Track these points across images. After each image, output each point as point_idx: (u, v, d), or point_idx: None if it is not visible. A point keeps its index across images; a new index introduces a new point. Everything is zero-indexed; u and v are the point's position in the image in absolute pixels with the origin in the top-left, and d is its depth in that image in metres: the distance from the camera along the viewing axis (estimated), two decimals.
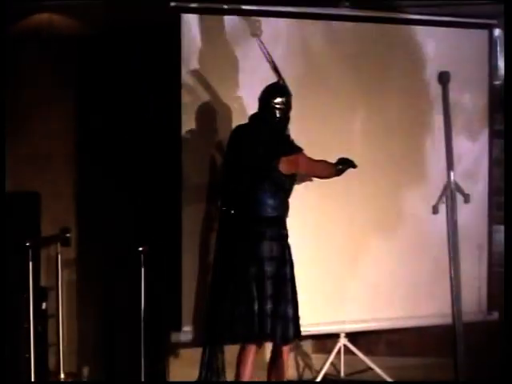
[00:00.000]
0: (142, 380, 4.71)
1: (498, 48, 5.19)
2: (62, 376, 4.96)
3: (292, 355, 5.07)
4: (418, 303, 5.02)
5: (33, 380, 4.66)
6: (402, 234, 5.02)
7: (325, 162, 4.27)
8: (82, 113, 5.17)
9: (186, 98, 4.65)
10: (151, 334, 4.74)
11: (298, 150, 4.17)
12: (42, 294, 4.94)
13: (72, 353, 5.17)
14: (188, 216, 4.65)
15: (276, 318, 4.06)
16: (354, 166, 4.33)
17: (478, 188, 5.11)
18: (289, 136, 4.26)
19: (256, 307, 4.04)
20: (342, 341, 5.04)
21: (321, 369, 5.00)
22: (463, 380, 3.64)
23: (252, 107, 4.36)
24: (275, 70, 4.48)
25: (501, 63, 5.19)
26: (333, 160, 4.32)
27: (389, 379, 4.99)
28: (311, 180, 4.48)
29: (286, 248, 4.17)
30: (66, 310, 5.11)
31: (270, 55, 4.52)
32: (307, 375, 5.27)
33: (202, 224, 4.66)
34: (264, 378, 4.34)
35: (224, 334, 4.09)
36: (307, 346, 5.27)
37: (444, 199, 3.63)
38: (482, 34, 5.16)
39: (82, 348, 5.22)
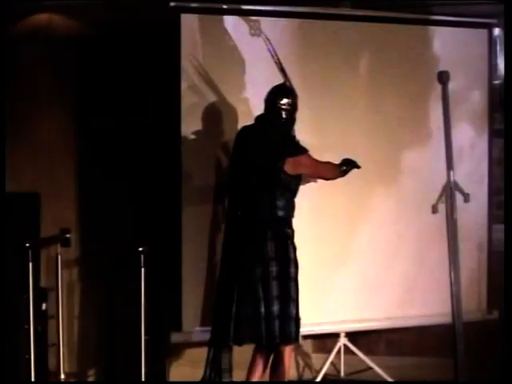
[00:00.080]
0: (142, 380, 4.71)
1: (498, 47, 5.19)
2: (62, 376, 4.95)
3: (292, 355, 5.06)
4: (417, 303, 5.02)
5: (33, 380, 4.66)
6: (401, 233, 5.03)
7: (329, 163, 4.28)
8: (81, 113, 5.17)
9: (191, 99, 4.65)
10: (151, 334, 4.74)
11: (304, 150, 4.18)
12: (41, 294, 4.94)
13: (72, 353, 5.17)
14: (189, 216, 4.65)
15: (281, 319, 4.06)
16: (357, 166, 4.33)
17: (478, 187, 5.10)
18: (294, 137, 4.27)
19: (262, 309, 4.05)
20: (342, 340, 5.05)
21: (321, 368, 5.01)
22: (463, 379, 3.64)
23: (258, 108, 4.36)
24: (282, 70, 4.47)
25: (500, 62, 5.19)
26: (332, 160, 4.33)
27: (389, 379, 4.99)
28: (315, 181, 4.48)
29: (291, 248, 4.18)
30: (66, 311, 5.10)
31: (276, 55, 4.51)
32: (307, 375, 5.27)
33: (204, 224, 4.66)
34: (265, 378, 4.34)
35: (230, 335, 4.09)
36: (307, 345, 5.27)
37: (443, 199, 3.63)
38: (482, 33, 5.16)
39: (82, 349, 5.22)
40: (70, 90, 5.15)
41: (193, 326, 4.70)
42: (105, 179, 5.11)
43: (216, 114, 4.69)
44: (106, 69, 5.08)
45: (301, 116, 4.35)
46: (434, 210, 3.65)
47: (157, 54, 4.87)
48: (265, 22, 4.74)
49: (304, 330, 4.33)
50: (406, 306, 5.02)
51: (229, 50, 4.71)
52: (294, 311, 4.11)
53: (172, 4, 4.59)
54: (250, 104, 4.68)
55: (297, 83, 4.51)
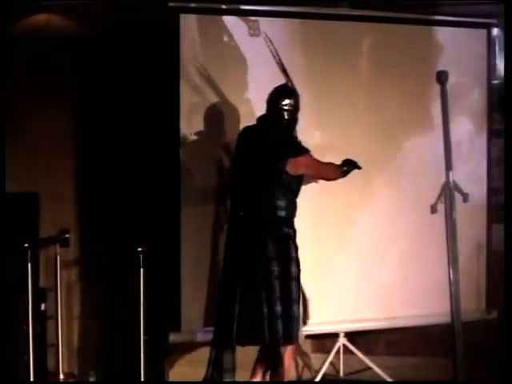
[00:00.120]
0: (142, 380, 4.71)
1: (497, 47, 5.20)
2: (62, 377, 4.95)
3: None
4: (416, 302, 5.01)
5: (32, 381, 4.66)
6: (400, 233, 5.03)
7: (331, 163, 4.28)
8: (80, 113, 5.17)
9: (192, 99, 4.65)
10: (150, 334, 4.74)
11: (306, 151, 4.19)
12: (40, 295, 4.94)
13: (71, 354, 5.17)
14: (190, 216, 4.65)
15: (283, 319, 4.06)
16: (358, 167, 4.33)
17: (477, 187, 5.10)
18: (296, 137, 4.28)
19: (265, 309, 4.05)
20: (341, 340, 5.05)
21: (320, 368, 5.00)
22: (462, 379, 3.65)
23: (260, 108, 4.36)
24: (283, 70, 4.46)
25: (499, 62, 5.20)
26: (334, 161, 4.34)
27: (388, 379, 4.99)
28: (316, 181, 4.48)
29: (293, 248, 4.18)
30: (65, 311, 5.10)
31: (278, 56, 4.51)
32: (306, 375, 5.26)
33: (203, 224, 4.66)
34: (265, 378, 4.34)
35: (232, 335, 4.09)
36: (306, 345, 5.26)
37: (442, 199, 3.64)
38: (481, 33, 5.17)
39: (81, 349, 5.22)
40: (70, 90, 5.16)
41: (192, 325, 4.70)
42: (104, 179, 5.11)
43: (218, 115, 4.69)
44: (105, 69, 5.08)
45: (302, 116, 4.36)
46: (433, 210, 3.65)
47: (156, 54, 4.87)
48: (265, 22, 4.74)
49: (303, 329, 4.32)
50: (405, 305, 5.01)
51: (230, 50, 4.71)
52: (296, 311, 4.11)
53: (171, 4, 4.59)
54: (252, 104, 4.68)
55: (298, 83, 4.51)
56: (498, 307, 4.99)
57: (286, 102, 4.23)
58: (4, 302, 4.49)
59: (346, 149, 4.55)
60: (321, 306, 4.82)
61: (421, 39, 5.07)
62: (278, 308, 4.05)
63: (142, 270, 4.64)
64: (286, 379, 4.24)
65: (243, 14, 4.74)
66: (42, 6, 5.09)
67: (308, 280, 4.45)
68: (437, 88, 3.76)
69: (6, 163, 4.43)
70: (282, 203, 4.15)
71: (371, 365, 5.02)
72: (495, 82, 5.22)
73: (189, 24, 4.65)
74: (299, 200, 4.26)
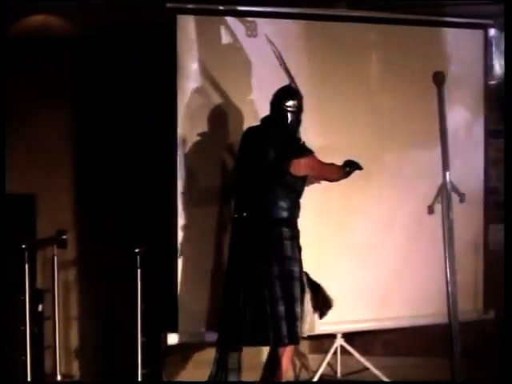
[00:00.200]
0: (139, 380, 4.70)
1: (494, 48, 5.21)
2: (59, 378, 4.95)
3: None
4: (414, 303, 5.01)
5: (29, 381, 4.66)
6: (397, 234, 5.03)
7: (333, 164, 4.30)
8: (79, 113, 5.17)
9: (195, 100, 4.65)
10: (148, 335, 4.73)
11: (309, 152, 4.19)
12: (38, 296, 4.93)
13: (68, 355, 5.16)
14: (190, 217, 4.65)
15: (287, 319, 4.06)
16: (360, 168, 4.36)
17: (474, 187, 5.10)
18: (300, 138, 4.28)
19: (268, 309, 4.05)
20: (339, 341, 5.05)
21: (317, 369, 5.01)
22: (460, 379, 3.66)
23: (263, 109, 4.35)
24: (287, 71, 4.46)
25: (496, 63, 5.21)
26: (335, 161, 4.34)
27: (385, 379, 5.00)
28: (319, 182, 4.49)
29: (297, 248, 4.19)
30: (63, 312, 5.09)
31: (281, 57, 4.50)
32: (304, 375, 5.27)
33: (203, 225, 4.66)
34: None
35: (237, 335, 4.09)
36: (304, 346, 5.26)
37: (440, 199, 3.65)
38: (478, 34, 5.18)
39: (79, 350, 5.21)
40: (68, 90, 5.15)
41: (189, 327, 4.70)
42: (101, 180, 5.10)
43: (221, 116, 4.68)
44: (104, 69, 5.07)
45: (306, 117, 4.36)
46: (431, 210, 3.66)
47: (155, 54, 4.87)
48: (265, 22, 4.73)
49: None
50: (403, 306, 5.01)
51: (231, 51, 4.71)
52: (298, 311, 4.11)
53: (168, 5, 4.59)
54: (255, 105, 4.67)
55: (298, 84, 4.51)
56: (496, 307, 4.99)
57: (290, 103, 4.24)
58: (1, 302, 4.49)
59: (346, 149, 4.56)
60: None
61: (418, 40, 5.07)
62: (282, 308, 4.05)
63: (139, 270, 4.64)
64: (283, 380, 4.24)
65: (240, 14, 4.74)
66: (40, 7, 5.08)
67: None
68: (433, 88, 3.76)
69: (5, 164, 4.43)
70: (285, 204, 4.16)
71: (368, 365, 5.03)
72: (492, 82, 5.23)
73: (189, 24, 4.65)
74: (302, 201, 4.26)
